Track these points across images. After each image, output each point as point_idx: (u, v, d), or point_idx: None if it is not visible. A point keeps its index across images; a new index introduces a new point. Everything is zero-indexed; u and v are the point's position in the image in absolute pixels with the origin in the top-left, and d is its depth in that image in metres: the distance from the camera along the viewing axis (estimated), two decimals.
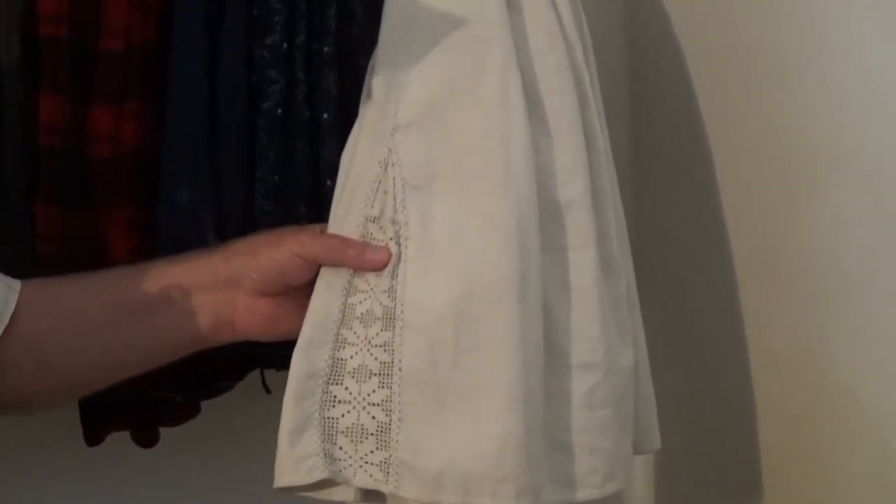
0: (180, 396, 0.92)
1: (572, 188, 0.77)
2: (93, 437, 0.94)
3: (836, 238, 0.87)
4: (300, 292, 0.76)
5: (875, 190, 0.82)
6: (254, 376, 0.97)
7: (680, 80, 1.09)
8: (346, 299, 0.75)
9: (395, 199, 0.74)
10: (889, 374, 0.82)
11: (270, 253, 0.75)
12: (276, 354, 0.80)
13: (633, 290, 0.86)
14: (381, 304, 0.74)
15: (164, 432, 0.97)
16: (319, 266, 0.76)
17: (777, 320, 0.96)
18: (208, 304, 0.75)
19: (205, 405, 0.97)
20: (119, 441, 0.96)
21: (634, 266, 0.87)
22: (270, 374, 0.97)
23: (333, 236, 0.76)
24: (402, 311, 0.73)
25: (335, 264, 0.75)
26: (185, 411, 0.96)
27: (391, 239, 0.74)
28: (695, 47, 1.08)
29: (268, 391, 0.96)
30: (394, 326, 0.73)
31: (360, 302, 0.75)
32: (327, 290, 0.75)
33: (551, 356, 0.76)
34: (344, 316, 0.75)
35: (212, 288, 0.75)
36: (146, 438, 0.96)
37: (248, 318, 0.76)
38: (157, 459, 1.00)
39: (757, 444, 1.01)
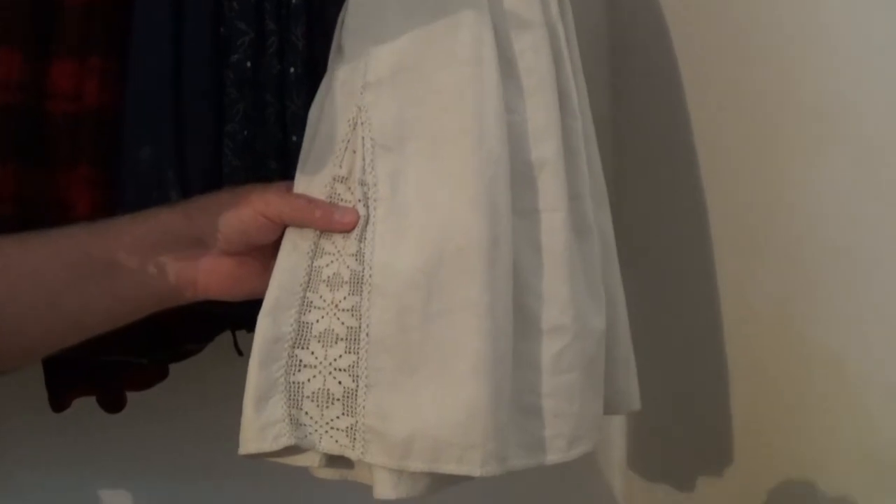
0: (145, 360, 0.90)
1: (545, 148, 0.75)
2: (58, 402, 0.93)
3: (823, 205, 0.86)
4: (264, 252, 0.74)
5: (864, 155, 0.81)
6: (224, 338, 0.95)
7: (662, 39, 1.06)
8: (313, 262, 0.73)
9: (363, 159, 0.72)
10: (873, 344, 0.82)
11: (235, 212, 0.73)
12: (244, 314, 0.78)
13: (612, 250, 0.84)
14: (348, 267, 0.72)
15: (132, 396, 0.96)
16: (285, 226, 0.74)
17: (761, 288, 0.95)
18: (170, 263, 0.73)
19: (173, 368, 0.96)
20: (86, 406, 0.94)
21: (616, 229, 0.86)
22: (241, 335, 0.95)
23: (300, 196, 0.74)
24: (370, 276, 0.71)
25: (302, 225, 0.73)
26: (152, 375, 0.95)
27: (359, 200, 0.72)
28: (678, 6, 1.05)
29: (239, 353, 0.94)
30: (361, 291, 0.71)
31: (327, 265, 0.72)
32: (293, 252, 0.73)
33: (521, 320, 0.74)
34: (310, 279, 0.72)
35: (174, 247, 0.73)
36: (112, 403, 0.95)
37: (211, 277, 0.74)
38: (126, 424, 0.98)
39: (737, 411, 1.01)
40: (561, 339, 0.75)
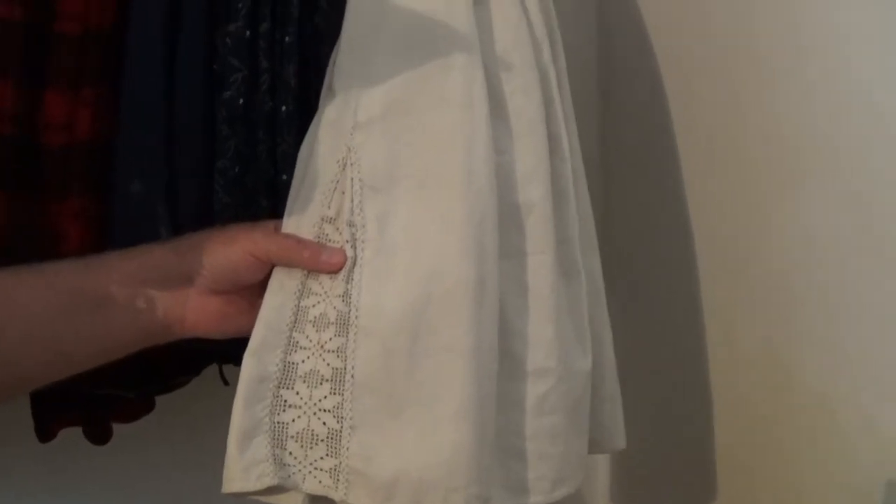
0: (132, 393, 0.90)
1: (533, 191, 0.76)
2: (44, 432, 0.92)
3: (810, 241, 0.87)
4: (252, 291, 0.75)
5: (852, 191, 0.81)
6: (210, 368, 0.95)
7: (651, 78, 1.07)
8: (300, 302, 0.73)
9: (352, 200, 0.72)
10: (857, 378, 0.82)
11: (223, 251, 0.73)
12: (231, 350, 0.78)
13: (600, 291, 0.85)
14: (334, 308, 0.72)
15: (120, 427, 0.95)
16: (273, 266, 0.74)
17: (746, 322, 0.96)
18: (159, 300, 0.73)
19: (160, 399, 0.95)
20: (73, 435, 0.94)
21: (602, 265, 0.86)
22: (228, 366, 0.95)
23: (289, 236, 0.74)
24: (356, 317, 0.71)
25: (289, 265, 0.73)
26: (138, 407, 0.94)
27: (347, 241, 0.72)
28: (668, 44, 1.06)
29: (226, 383, 0.94)
30: (347, 332, 0.71)
31: (314, 305, 0.73)
32: (280, 292, 0.73)
33: (506, 362, 0.75)
34: (296, 319, 0.73)
35: (163, 284, 0.73)
36: (98, 435, 0.94)
37: (199, 315, 0.74)
38: (112, 453, 0.98)
39: (722, 446, 1.01)
40: (545, 381, 0.76)
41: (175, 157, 0.82)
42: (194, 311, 0.74)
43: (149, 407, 0.95)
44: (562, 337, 0.77)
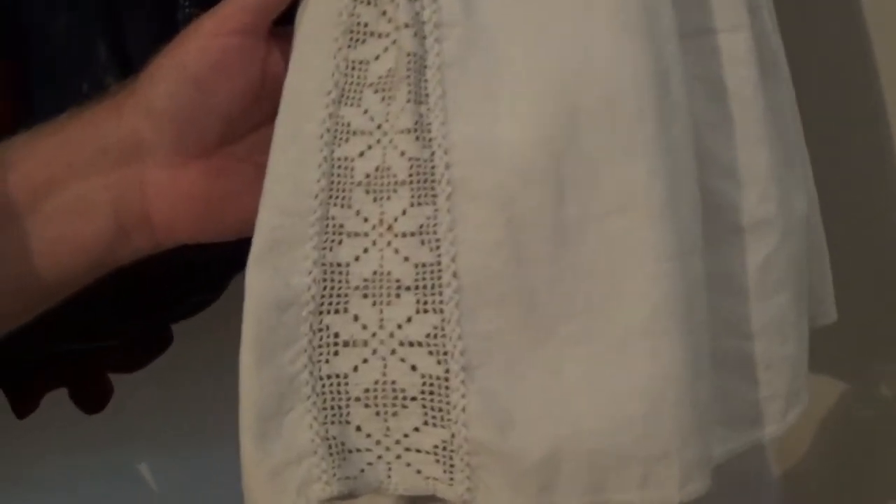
0: (117, 341, 0.62)
1: None
2: (21, 405, 0.66)
3: None
4: (253, 145, 0.45)
5: None
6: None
7: None
8: (332, 151, 0.41)
9: None
10: None
11: (176, 62, 0.44)
12: None
13: (788, 83, 0.58)
14: (402, 154, 0.40)
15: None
16: (266, 69, 0.44)
17: None
18: (101, 192, 0.45)
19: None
20: (59, 401, 0.67)
21: None
22: None
23: None
24: (446, 166, 0.40)
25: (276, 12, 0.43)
26: (146, 348, 0.67)
27: (406, 26, 0.40)
28: None
29: None
30: (434, 195, 0.40)
31: (362, 153, 0.41)
32: (295, 141, 0.41)
33: (706, 216, 0.46)
34: (333, 183, 0.41)
35: (102, 165, 0.45)
36: (91, 398, 0.66)
37: (170, 204, 0.45)
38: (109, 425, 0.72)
39: None
40: (766, 240, 0.49)
41: None
42: (160, 199, 0.45)
43: (163, 343, 0.68)
44: (776, 166, 0.50)
